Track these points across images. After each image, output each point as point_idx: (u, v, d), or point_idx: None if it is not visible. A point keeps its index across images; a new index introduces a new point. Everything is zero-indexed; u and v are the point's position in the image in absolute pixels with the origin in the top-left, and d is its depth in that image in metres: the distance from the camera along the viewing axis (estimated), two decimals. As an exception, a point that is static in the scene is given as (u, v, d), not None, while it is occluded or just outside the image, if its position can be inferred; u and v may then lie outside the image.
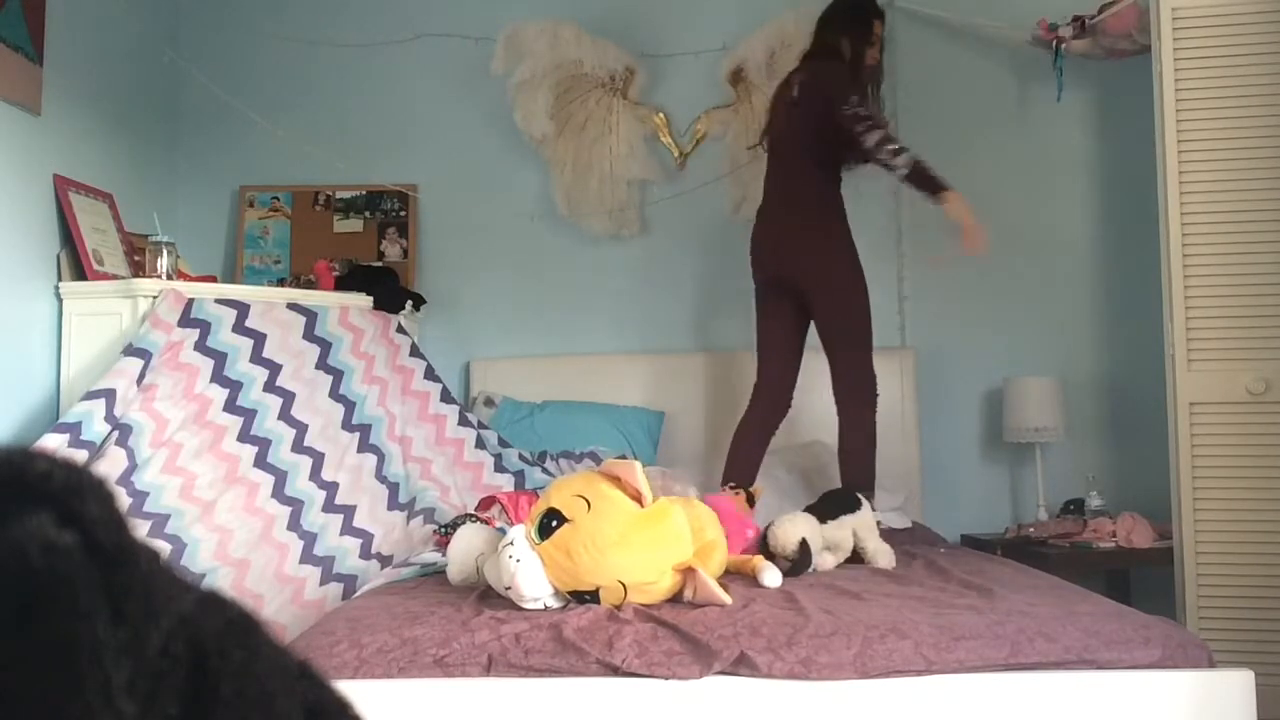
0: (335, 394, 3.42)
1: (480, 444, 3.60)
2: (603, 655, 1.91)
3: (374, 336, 3.63)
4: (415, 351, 3.75)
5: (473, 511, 2.98)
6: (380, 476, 3.34)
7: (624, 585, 2.12)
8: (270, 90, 4.30)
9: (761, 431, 3.40)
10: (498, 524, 2.72)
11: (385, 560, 3.01)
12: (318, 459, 3.24)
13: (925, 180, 3.10)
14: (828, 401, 3.33)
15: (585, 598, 2.13)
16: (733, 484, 3.16)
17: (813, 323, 3.36)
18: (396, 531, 3.16)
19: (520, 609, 2.11)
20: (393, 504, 3.28)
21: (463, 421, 3.64)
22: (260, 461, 3.13)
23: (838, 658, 1.91)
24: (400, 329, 3.76)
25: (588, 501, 2.13)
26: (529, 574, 2.10)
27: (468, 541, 2.48)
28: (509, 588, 2.13)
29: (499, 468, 3.54)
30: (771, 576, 2.41)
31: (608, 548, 2.09)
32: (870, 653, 1.92)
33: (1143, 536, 3.53)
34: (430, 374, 3.72)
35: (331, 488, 3.20)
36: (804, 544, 2.60)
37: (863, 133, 3.11)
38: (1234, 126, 3.11)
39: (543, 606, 2.13)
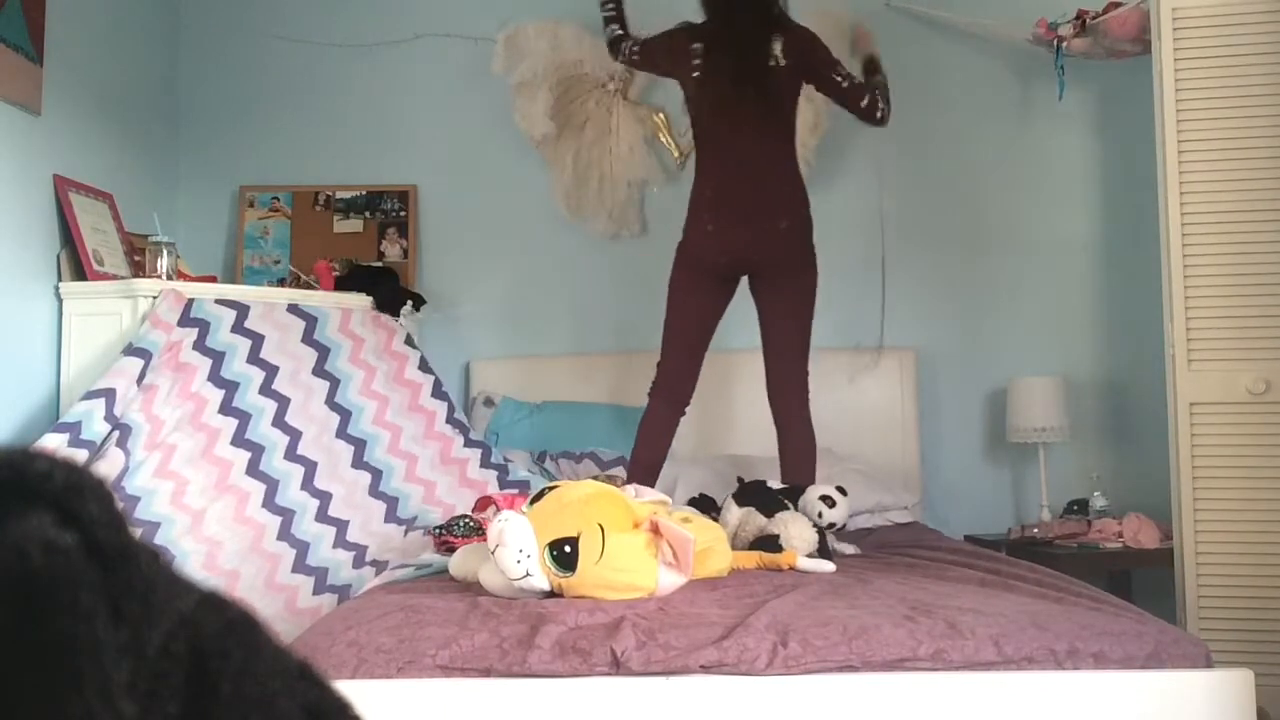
0: (331, 401, 3.38)
1: (486, 462, 3.54)
2: (602, 655, 1.91)
3: (376, 348, 3.58)
4: (424, 366, 3.67)
5: (470, 513, 2.97)
6: (377, 493, 3.30)
7: (602, 529, 2.18)
8: (270, 90, 4.30)
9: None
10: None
11: (380, 566, 2.99)
12: (310, 468, 3.21)
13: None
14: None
15: (566, 550, 2.16)
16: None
17: (762, 313, 3.27)
18: (394, 541, 3.12)
19: (518, 609, 2.11)
20: (390, 517, 3.25)
21: (469, 443, 3.58)
22: (252, 469, 3.10)
23: (835, 654, 1.92)
24: (408, 341, 3.69)
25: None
26: (515, 528, 2.17)
27: (465, 558, 2.50)
28: (496, 546, 2.18)
29: (504, 484, 3.48)
30: (810, 562, 2.63)
31: (587, 497, 2.28)
32: (868, 650, 1.92)
33: (1150, 537, 3.52)
34: (438, 390, 3.64)
35: (324, 497, 3.17)
36: (822, 534, 2.79)
37: (870, 105, 3.19)
38: (1234, 127, 3.10)
39: (525, 573, 2.16)
